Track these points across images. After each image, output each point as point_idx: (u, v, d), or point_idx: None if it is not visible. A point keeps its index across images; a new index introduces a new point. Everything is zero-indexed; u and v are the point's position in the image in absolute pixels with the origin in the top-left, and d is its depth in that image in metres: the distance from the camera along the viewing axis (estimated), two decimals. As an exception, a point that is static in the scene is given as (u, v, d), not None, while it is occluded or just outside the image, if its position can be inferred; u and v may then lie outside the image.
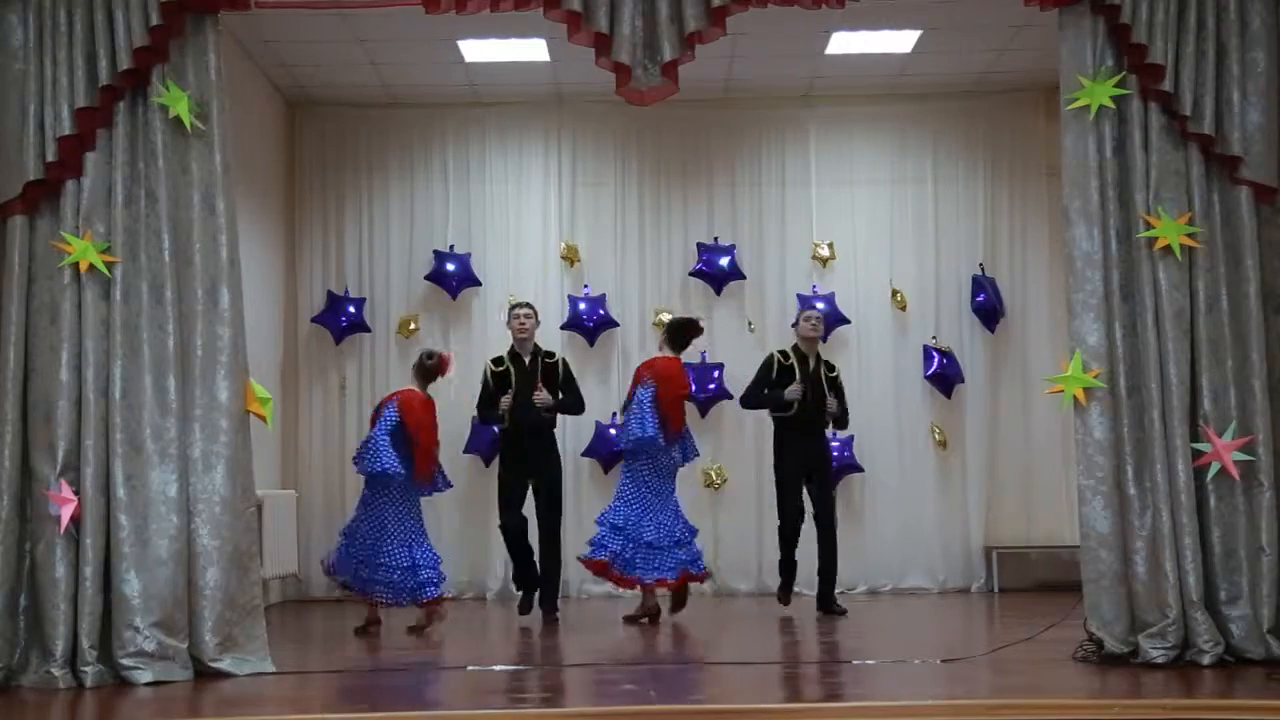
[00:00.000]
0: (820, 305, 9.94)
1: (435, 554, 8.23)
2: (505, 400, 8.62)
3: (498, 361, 8.81)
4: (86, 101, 6.18)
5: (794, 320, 9.36)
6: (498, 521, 8.81)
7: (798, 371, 8.77)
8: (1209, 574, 6.14)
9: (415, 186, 10.67)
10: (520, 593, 8.79)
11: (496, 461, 9.08)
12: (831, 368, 9.03)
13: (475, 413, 9.11)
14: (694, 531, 8.62)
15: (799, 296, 10.32)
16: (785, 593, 8.86)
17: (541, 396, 8.60)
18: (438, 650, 7.44)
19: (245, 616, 6.24)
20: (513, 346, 8.81)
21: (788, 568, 8.82)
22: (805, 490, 8.73)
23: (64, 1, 6.22)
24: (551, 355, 8.88)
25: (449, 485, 8.54)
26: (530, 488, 8.72)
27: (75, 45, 6.20)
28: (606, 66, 6.40)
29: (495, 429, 9.09)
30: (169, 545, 6.08)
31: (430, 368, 8.33)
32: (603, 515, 8.53)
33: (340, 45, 9.38)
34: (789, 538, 8.77)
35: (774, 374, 8.82)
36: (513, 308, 8.93)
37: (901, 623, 8.65)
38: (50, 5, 6.22)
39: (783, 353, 8.92)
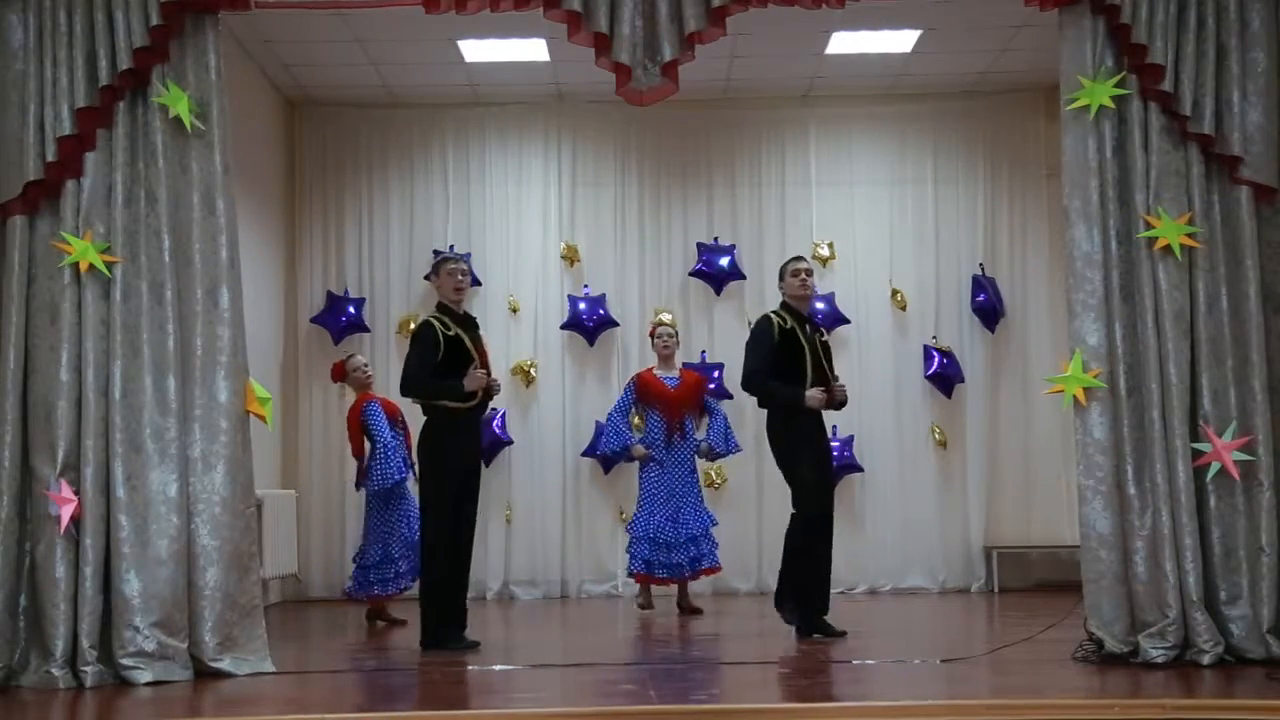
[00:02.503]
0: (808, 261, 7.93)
1: (379, 553, 8.46)
2: (480, 375, 6.99)
3: (444, 324, 7.10)
4: (86, 101, 6.17)
5: (780, 277, 7.71)
6: (427, 573, 7.05)
7: (805, 346, 7.39)
8: (1209, 574, 6.14)
9: (415, 186, 10.68)
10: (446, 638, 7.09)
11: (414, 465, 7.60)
12: (821, 330, 7.81)
13: (415, 383, 7.02)
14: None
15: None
16: (804, 615, 7.36)
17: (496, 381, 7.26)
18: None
19: (245, 616, 6.23)
20: (451, 310, 7.18)
21: (811, 584, 7.33)
22: None
23: (64, 1, 6.21)
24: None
25: (394, 477, 8.37)
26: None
27: (75, 45, 6.19)
28: (606, 67, 6.40)
29: (444, 411, 7.04)
30: (169, 545, 6.08)
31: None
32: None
33: (340, 45, 9.38)
34: (819, 537, 7.30)
35: (777, 342, 7.41)
36: (444, 261, 7.29)
37: (901, 623, 8.65)
38: (50, 5, 6.22)
39: (779, 315, 7.52)
